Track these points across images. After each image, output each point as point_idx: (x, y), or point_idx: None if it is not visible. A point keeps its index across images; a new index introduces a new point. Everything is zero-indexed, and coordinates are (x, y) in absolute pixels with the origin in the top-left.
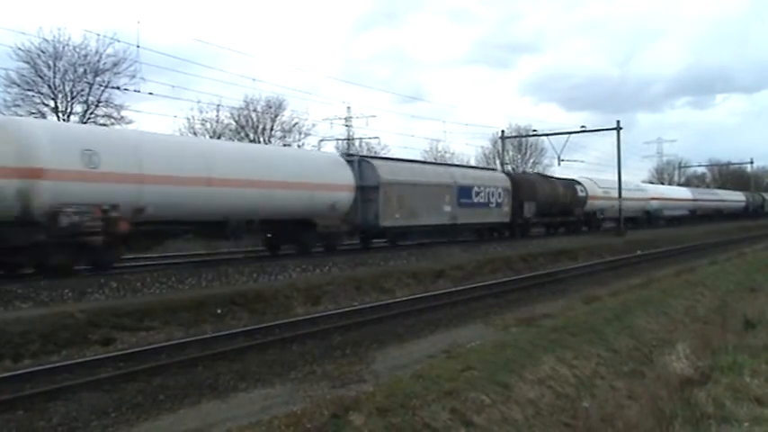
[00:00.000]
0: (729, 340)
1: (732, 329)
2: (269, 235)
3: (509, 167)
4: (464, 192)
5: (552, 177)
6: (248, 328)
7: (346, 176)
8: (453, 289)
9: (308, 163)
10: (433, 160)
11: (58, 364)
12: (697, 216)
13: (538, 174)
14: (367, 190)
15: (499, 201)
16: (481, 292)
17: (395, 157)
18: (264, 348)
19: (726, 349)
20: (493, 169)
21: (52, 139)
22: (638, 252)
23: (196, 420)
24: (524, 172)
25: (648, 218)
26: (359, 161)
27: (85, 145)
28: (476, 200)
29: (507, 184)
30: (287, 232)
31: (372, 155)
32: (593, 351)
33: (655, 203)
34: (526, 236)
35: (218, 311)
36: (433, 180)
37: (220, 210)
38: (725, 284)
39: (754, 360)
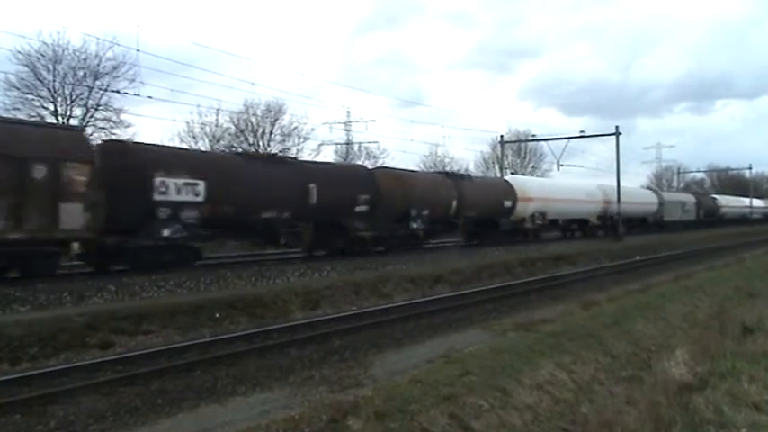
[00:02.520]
0: (728, 346)
1: (730, 335)
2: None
3: (509, 172)
4: (682, 204)
5: (705, 193)
6: (247, 332)
7: (654, 198)
8: (452, 294)
9: (643, 193)
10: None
11: (56, 368)
12: None
13: (698, 193)
14: (658, 204)
15: (691, 209)
16: (479, 297)
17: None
18: (263, 352)
19: (724, 355)
20: (687, 192)
21: (603, 192)
22: (637, 258)
23: (194, 424)
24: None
25: (746, 219)
26: (655, 191)
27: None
28: (685, 209)
29: (694, 200)
30: (634, 224)
31: (654, 188)
32: (591, 356)
33: (747, 210)
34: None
35: (217, 315)
36: (673, 199)
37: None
38: (723, 290)
39: (753, 366)
